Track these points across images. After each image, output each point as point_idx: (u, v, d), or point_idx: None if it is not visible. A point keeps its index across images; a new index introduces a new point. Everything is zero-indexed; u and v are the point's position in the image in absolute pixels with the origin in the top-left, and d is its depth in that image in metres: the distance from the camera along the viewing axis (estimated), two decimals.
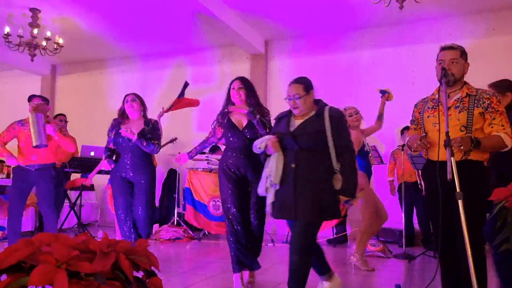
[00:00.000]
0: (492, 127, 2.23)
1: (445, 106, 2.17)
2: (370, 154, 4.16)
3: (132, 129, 3.56)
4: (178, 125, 7.32)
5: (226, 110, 3.26)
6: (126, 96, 3.81)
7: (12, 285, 1.02)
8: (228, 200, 3.13)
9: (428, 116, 2.41)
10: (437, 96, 2.38)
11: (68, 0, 5.74)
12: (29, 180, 4.14)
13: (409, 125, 2.66)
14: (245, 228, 3.10)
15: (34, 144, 3.94)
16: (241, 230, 3.07)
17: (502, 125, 2.22)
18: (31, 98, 4.28)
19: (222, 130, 3.28)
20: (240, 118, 3.20)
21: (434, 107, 2.39)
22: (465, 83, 2.38)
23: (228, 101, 3.26)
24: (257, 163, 2.91)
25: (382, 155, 5.67)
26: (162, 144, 6.49)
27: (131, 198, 3.65)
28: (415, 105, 2.58)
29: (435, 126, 2.35)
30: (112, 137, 3.67)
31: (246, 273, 3.18)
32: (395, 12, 5.02)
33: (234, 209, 3.09)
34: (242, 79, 3.24)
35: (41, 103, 4.19)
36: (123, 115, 3.75)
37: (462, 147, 2.09)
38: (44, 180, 4.12)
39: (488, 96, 2.28)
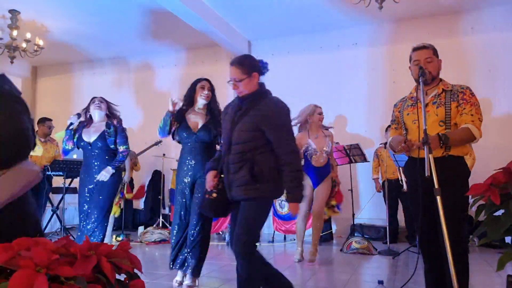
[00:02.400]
0: (461, 115, 2.28)
1: (423, 104, 2.21)
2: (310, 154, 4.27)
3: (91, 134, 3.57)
4: None
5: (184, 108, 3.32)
6: (93, 98, 3.78)
7: None
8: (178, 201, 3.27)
9: (408, 114, 2.46)
10: (415, 94, 2.42)
11: (48, 2, 5.66)
12: None
13: (390, 124, 2.68)
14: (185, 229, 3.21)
15: None
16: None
17: (472, 114, 2.25)
18: None
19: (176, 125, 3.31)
20: (196, 121, 3.29)
21: (413, 104, 2.43)
22: (441, 80, 2.44)
23: (190, 97, 3.34)
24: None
25: (365, 153, 5.73)
26: (147, 147, 6.49)
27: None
28: (395, 105, 2.62)
29: (414, 123, 2.39)
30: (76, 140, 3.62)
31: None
32: (375, 11, 5.09)
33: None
34: (210, 81, 3.39)
35: None
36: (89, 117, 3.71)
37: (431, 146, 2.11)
38: None
39: (462, 89, 2.34)
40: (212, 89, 3.38)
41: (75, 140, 3.62)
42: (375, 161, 5.73)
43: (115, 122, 3.69)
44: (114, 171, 3.53)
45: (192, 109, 3.36)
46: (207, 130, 3.24)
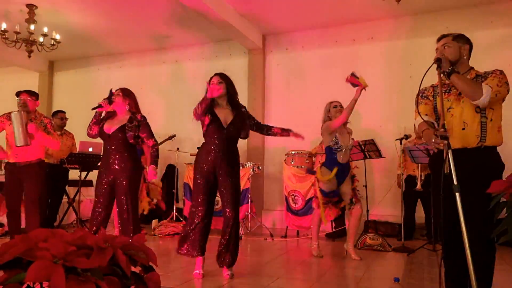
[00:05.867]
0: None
1: (441, 97, 2.16)
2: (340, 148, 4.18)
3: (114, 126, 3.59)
4: (176, 122, 7.31)
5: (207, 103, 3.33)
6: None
7: (9, 281, 1.02)
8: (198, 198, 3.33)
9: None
10: (447, 81, 2.32)
11: None
12: (17, 175, 4.12)
13: (417, 100, 2.46)
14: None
15: (17, 145, 3.93)
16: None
17: (492, 82, 2.18)
18: (18, 93, 4.24)
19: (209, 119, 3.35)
20: (225, 116, 3.33)
21: (447, 91, 2.33)
22: (472, 68, 2.36)
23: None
24: (232, 159, 3.30)
25: (380, 149, 5.64)
26: (161, 141, 6.51)
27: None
28: (422, 94, 2.46)
29: (449, 111, 2.29)
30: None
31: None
32: (392, 5, 5.00)
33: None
34: (220, 75, 3.40)
35: (28, 99, 4.16)
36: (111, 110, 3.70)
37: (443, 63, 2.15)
38: (29, 177, 4.09)
39: (492, 70, 2.27)
40: (227, 82, 3.36)
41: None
42: (402, 157, 5.61)
43: (139, 116, 3.65)
44: (156, 166, 3.66)
45: (216, 105, 3.39)
46: (236, 126, 3.31)
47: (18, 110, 4.01)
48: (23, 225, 4.26)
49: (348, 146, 4.26)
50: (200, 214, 3.29)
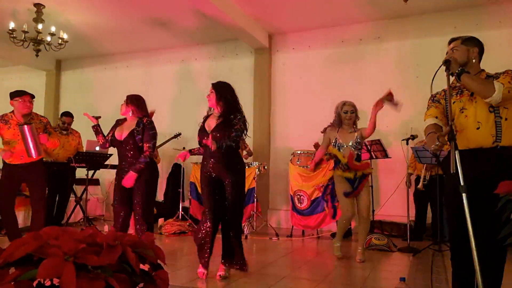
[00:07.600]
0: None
1: (450, 99, 2.15)
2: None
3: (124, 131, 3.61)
4: (182, 121, 7.33)
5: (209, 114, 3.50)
6: None
7: (21, 278, 1.03)
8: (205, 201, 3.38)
9: (454, 102, 2.32)
10: (458, 84, 2.31)
11: None
12: (16, 176, 4.16)
13: (429, 104, 2.46)
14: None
15: (32, 157, 4.05)
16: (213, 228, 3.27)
17: (504, 80, 2.16)
18: (13, 95, 4.24)
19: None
20: (210, 122, 3.37)
21: (459, 93, 2.32)
22: (483, 70, 2.35)
23: None
24: (228, 163, 3.26)
25: (387, 149, 5.63)
26: (166, 139, 6.55)
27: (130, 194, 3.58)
28: (434, 98, 2.45)
29: (462, 111, 2.28)
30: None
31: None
32: (399, 5, 4.99)
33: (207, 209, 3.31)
34: (214, 84, 3.41)
35: (29, 104, 4.23)
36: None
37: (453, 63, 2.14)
38: (34, 176, 4.17)
39: (504, 70, 2.25)
40: (217, 91, 3.35)
41: (109, 138, 3.71)
42: (412, 157, 5.58)
43: (145, 120, 3.61)
44: (137, 174, 3.47)
45: (211, 114, 3.48)
46: (218, 133, 3.26)
47: (25, 123, 4.06)
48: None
49: (349, 144, 4.18)
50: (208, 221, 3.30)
